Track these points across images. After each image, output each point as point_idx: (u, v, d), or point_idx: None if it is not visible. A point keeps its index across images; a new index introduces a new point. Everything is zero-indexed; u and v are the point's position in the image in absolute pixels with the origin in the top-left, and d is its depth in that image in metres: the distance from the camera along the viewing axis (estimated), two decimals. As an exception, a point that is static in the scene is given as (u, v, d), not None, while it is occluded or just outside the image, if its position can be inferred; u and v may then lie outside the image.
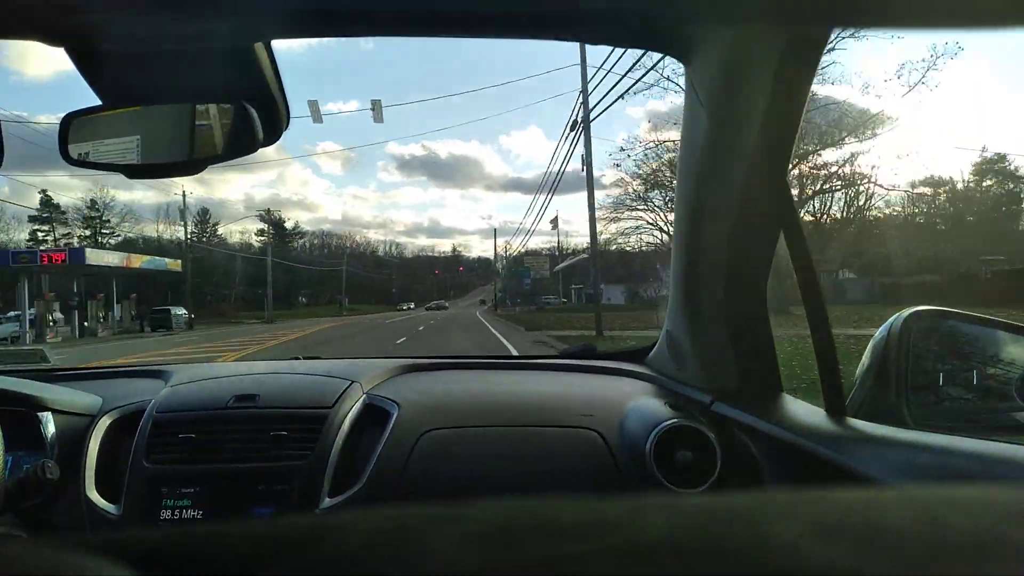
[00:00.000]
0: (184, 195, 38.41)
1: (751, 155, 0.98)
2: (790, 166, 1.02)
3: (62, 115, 0.85)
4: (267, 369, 1.53)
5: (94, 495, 1.19)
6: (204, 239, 65.99)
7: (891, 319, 1.02)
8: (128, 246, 52.45)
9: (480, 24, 0.68)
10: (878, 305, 16.25)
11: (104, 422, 1.29)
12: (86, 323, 27.98)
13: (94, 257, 28.15)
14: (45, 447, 1.21)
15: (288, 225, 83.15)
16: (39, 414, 1.23)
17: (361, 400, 1.33)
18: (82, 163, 0.84)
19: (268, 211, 78.60)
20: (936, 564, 0.22)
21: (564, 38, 0.76)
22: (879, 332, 1.02)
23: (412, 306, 72.30)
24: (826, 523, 0.24)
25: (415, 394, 1.36)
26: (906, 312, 1.02)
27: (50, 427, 1.23)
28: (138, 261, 31.76)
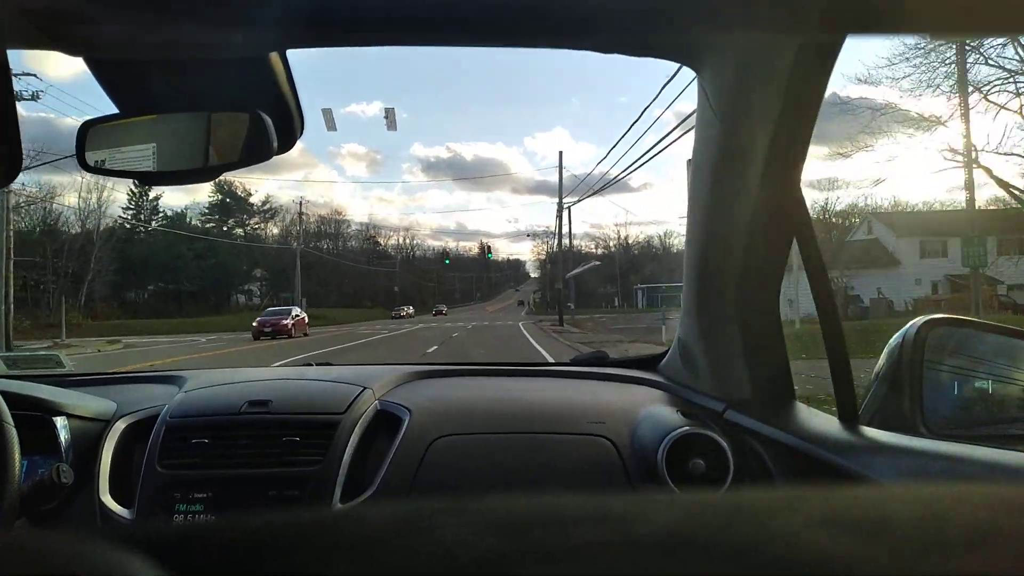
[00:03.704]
0: None
1: (764, 163, 0.98)
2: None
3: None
4: (280, 375, 1.53)
5: (108, 499, 1.20)
6: (141, 216, 47.03)
7: (906, 327, 1.01)
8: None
9: (491, 32, 0.68)
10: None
11: (118, 427, 1.30)
12: None
13: None
14: (60, 451, 1.22)
15: (256, 199, 56.60)
16: (54, 419, 1.24)
17: (373, 406, 1.33)
18: (99, 170, 0.85)
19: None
20: (935, 556, 0.22)
21: (574, 47, 0.77)
22: (893, 339, 1.01)
23: (412, 311, 52.02)
24: (828, 518, 0.24)
25: (427, 400, 1.36)
26: (921, 320, 1.01)
27: (65, 432, 1.24)
28: None
